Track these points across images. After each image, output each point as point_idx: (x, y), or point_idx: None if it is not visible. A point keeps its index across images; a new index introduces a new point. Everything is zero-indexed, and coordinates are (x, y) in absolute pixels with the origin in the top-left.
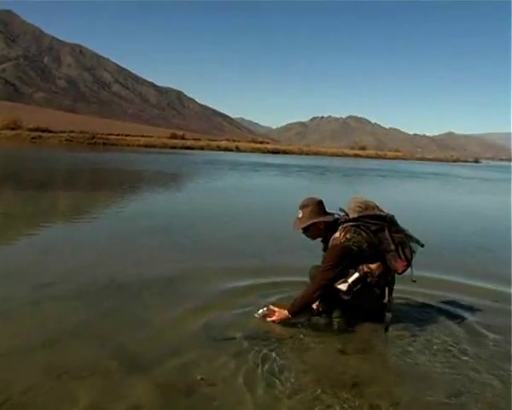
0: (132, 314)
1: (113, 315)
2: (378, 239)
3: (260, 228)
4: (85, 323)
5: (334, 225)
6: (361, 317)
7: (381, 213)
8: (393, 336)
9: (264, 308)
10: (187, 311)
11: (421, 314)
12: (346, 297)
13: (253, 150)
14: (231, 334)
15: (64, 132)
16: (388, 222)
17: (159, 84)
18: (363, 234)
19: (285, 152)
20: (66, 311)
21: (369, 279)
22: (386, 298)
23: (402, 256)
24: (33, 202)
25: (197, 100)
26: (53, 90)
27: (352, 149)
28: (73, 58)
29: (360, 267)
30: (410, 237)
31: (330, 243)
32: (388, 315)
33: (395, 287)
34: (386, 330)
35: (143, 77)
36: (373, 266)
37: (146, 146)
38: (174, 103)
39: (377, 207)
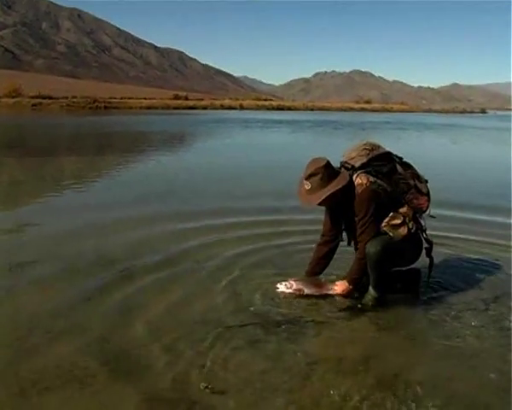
0: (121, 300)
1: (98, 301)
2: (394, 181)
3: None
4: (64, 313)
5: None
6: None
7: (389, 151)
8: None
9: (287, 283)
10: (186, 292)
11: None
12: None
13: (258, 108)
14: (240, 319)
15: (66, 98)
16: (398, 158)
17: (160, 45)
18: (381, 179)
19: (290, 108)
20: (43, 298)
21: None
22: (425, 242)
23: (423, 191)
24: (32, 169)
25: (199, 60)
26: (53, 57)
27: (358, 103)
28: (72, 23)
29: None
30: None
31: (356, 193)
32: (432, 258)
33: None
34: (430, 273)
35: (144, 39)
36: (402, 209)
37: (148, 108)
38: (176, 64)
39: (380, 146)
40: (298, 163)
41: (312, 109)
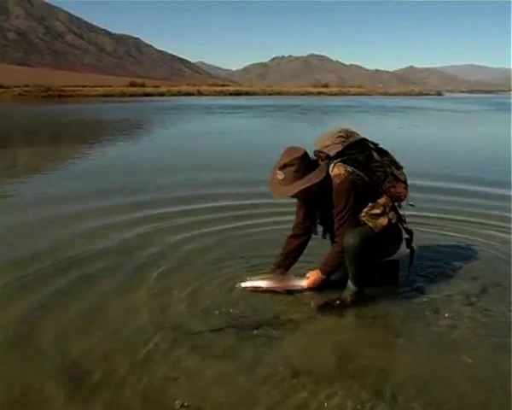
0: (81, 306)
1: (55, 309)
2: (371, 170)
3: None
4: (17, 323)
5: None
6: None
7: (365, 138)
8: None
9: (251, 280)
10: (146, 294)
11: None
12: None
13: (216, 93)
14: (210, 323)
15: (17, 87)
16: (374, 145)
17: (114, 31)
18: (357, 168)
19: (247, 93)
20: None
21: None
22: (404, 232)
23: (401, 178)
24: None
25: (155, 46)
26: (2, 44)
27: (315, 87)
28: (22, 8)
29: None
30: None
31: (333, 185)
32: (413, 248)
33: None
34: (411, 264)
35: (98, 25)
36: (381, 200)
37: (105, 96)
38: (131, 51)
39: (355, 132)
40: (270, 150)
41: (270, 94)
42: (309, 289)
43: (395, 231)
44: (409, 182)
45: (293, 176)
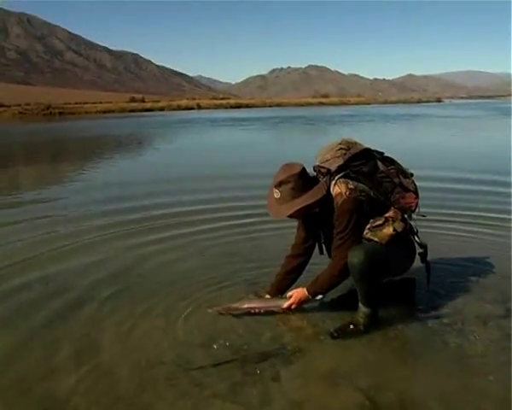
0: (70, 335)
1: (39, 343)
2: (377, 181)
3: None
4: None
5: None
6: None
7: (368, 147)
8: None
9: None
10: (145, 319)
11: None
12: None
13: (216, 107)
14: (212, 356)
15: (18, 106)
16: (379, 154)
17: (113, 48)
18: (362, 181)
19: (247, 106)
20: None
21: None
22: (418, 247)
23: (410, 187)
24: None
25: (154, 61)
26: (3, 63)
27: (315, 97)
28: (22, 28)
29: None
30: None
31: (335, 205)
32: (429, 264)
33: None
34: (428, 281)
35: (97, 42)
36: (388, 214)
37: (104, 112)
38: (131, 67)
39: (357, 142)
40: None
41: (270, 106)
42: (289, 309)
43: (405, 244)
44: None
45: (289, 194)
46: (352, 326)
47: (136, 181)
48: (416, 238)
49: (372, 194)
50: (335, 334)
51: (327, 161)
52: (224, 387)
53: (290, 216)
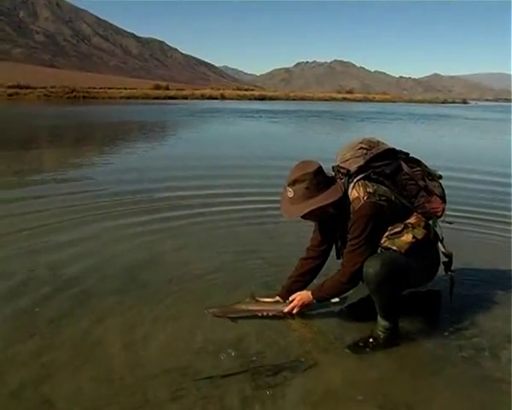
0: (74, 335)
1: (43, 340)
2: (400, 184)
3: None
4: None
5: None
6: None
7: (392, 147)
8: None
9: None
10: (154, 322)
11: None
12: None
13: (239, 98)
14: (227, 364)
15: (44, 88)
16: (404, 155)
17: (140, 34)
18: (382, 184)
19: (271, 98)
20: None
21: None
22: (442, 256)
23: (436, 191)
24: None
25: (180, 49)
26: (31, 46)
27: (339, 93)
28: (50, 11)
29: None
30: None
31: (352, 209)
32: (453, 275)
33: None
34: (451, 294)
35: (124, 28)
36: (410, 220)
37: (128, 98)
38: (156, 54)
39: (379, 142)
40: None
41: (294, 99)
42: (290, 312)
43: (428, 253)
44: None
45: (303, 194)
46: (371, 340)
47: (167, 166)
48: (441, 246)
49: (393, 198)
50: (353, 348)
51: (346, 160)
52: (233, 401)
53: (303, 217)
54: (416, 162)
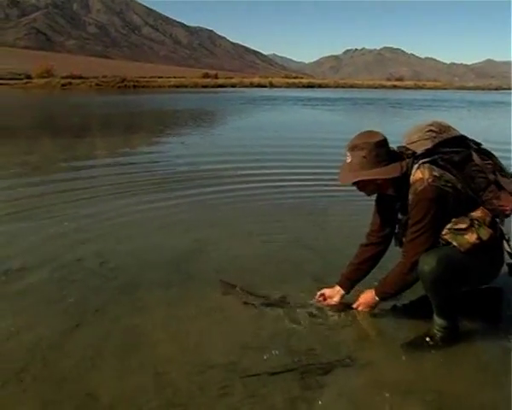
0: (116, 329)
1: (87, 331)
2: (468, 175)
3: None
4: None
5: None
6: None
7: (464, 135)
8: None
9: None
10: (203, 316)
11: None
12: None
13: (288, 86)
14: (276, 361)
15: (95, 78)
16: (475, 145)
17: (189, 24)
18: (449, 172)
19: (320, 86)
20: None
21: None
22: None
23: (507, 188)
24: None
25: (229, 38)
26: (84, 37)
27: (389, 80)
28: (102, 3)
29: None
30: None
31: (412, 190)
32: None
33: None
34: None
35: (173, 18)
36: (476, 213)
37: (177, 87)
38: (205, 43)
39: (450, 127)
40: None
41: (343, 87)
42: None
43: (491, 252)
44: None
45: (359, 162)
46: (428, 339)
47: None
48: (507, 246)
49: (460, 187)
50: (408, 347)
51: (413, 142)
52: (281, 400)
53: (358, 188)
54: (487, 154)
